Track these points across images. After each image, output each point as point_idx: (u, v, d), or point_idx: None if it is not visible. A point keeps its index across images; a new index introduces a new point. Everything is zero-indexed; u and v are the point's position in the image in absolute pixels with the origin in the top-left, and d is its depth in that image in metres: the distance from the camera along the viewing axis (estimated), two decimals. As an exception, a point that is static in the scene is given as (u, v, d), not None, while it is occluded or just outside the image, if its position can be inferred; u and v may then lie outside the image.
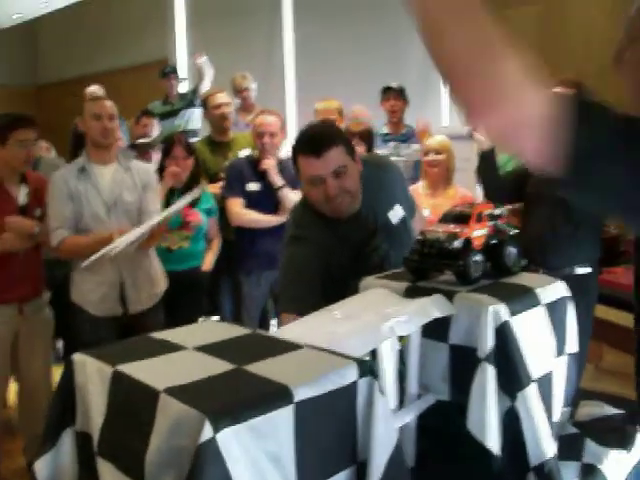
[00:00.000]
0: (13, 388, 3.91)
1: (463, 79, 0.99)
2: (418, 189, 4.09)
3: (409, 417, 1.87)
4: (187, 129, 5.99)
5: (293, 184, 4.01)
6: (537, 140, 0.99)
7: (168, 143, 4.12)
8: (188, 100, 6.44)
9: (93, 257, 3.09)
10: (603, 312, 4.01)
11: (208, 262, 4.15)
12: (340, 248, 2.41)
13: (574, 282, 2.45)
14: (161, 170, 3.98)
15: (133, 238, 3.18)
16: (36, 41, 10.87)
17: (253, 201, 4.03)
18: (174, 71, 6.73)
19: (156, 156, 4.93)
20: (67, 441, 1.46)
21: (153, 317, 3.54)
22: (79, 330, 3.38)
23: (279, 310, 2.56)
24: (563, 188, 1.05)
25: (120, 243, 3.12)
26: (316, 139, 2.35)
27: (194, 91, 6.48)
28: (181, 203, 3.58)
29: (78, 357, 1.44)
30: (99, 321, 3.35)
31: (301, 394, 1.22)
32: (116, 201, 3.35)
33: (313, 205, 2.43)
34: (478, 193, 5.15)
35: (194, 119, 6.42)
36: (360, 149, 4.04)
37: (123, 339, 2.98)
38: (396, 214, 2.57)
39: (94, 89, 6.76)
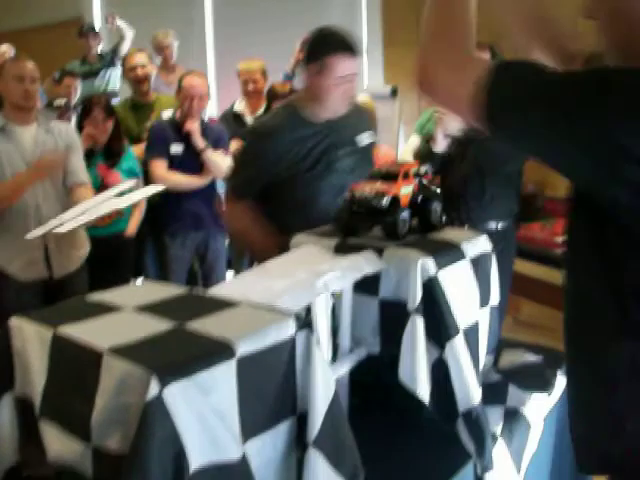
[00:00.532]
0: None
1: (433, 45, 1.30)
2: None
3: (342, 370, 1.93)
4: (107, 90, 5.84)
5: (215, 145, 4.00)
6: (469, 98, 1.21)
7: (87, 104, 4.03)
8: (107, 60, 6.27)
9: (37, 231, 3.03)
10: (520, 266, 4.16)
11: (132, 227, 4.09)
12: (310, 145, 2.66)
13: (493, 236, 2.55)
14: (80, 131, 3.90)
15: (82, 222, 3.13)
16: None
17: (177, 163, 3.99)
18: (92, 30, 6.47)
19: (74, 117, 4.83)
20: (6, 406, 1.45)
21: (77, 281, 3.49)
22: (2, 296, 3.31)
23: (226, 194, 2.90)
24: (490, 135, 1.27)
25: (68, 224, 3.06)
26: (353, 42, 2.62)
27: (114, 51, 6.30)
28: (137, 196, 3.52)
29: (15, 321, 1.43)
30: (23, 286, 3.29)
31: (242, 349, 1.26)
32: None
33: (311, 101, 2.70)
34: (399, 152, 5.24)
35: (114, 80, 6.25)
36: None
37: (48, 304, 2.97)
38: (364, 139, 2.83)
39: (4, 49, 6.51)
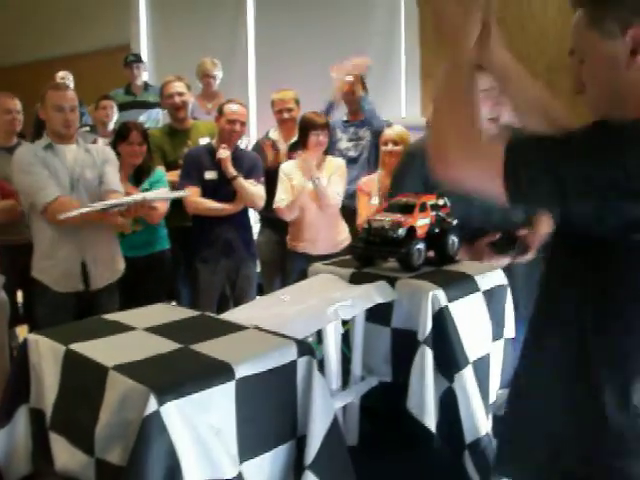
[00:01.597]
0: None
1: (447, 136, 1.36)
2: (376, 178, 4.17)
3: (352, 397, 1.96)
4: (147, 127, 5.87)
5: (248, 173, 4.06)
6: (490, 179, 1.28)
7: (122, 129, 4.14)
8: (156, 97, 6.23)
9: (74, 212, 3.13)
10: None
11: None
12: None
13: (522, 270, 2.56)
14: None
15: (109, 204, 3.24)
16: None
17: (210, 189, 4.05)
18: (137, 60, 6.41)
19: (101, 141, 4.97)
20: (22, 417, 1.52)
21: (109, 296, 3.57)
22: (38, 305, 3.41)
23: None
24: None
25: (99, 205, 3.18)
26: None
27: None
28: (166, 195, 3.62)
29: (32, 337, 1.50)
30: (58, 297, 3.38)
31: (242, 371, 1.30)
32: (79, 178, 3.40)
33: None
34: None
35: (156, 119, 6.27)
36: (325, 138, 4.12)
37: (80, 316, 3.04)
38: None
39: (62, 75, 6.69)
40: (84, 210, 3.16)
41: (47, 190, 3.30)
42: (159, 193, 3.65)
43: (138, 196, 3.42)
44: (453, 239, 2.18)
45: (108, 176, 3.54)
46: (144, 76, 6.58)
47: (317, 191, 4.00)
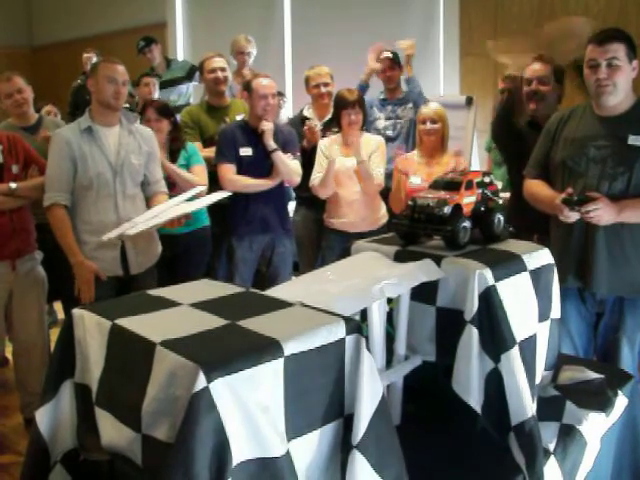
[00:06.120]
0: (10, 348, 3.99)
1: None
2: (414, 157, 4.11)
3: (396, 377, 1.94)
4: (178, 103, 5.87)
5: (284, 147, 4.02)
6: None
7: (143, 106, 4.16)
8: (185, 73, 6.23)
9: (112, 234, 3.16)
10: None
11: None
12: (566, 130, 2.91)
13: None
14: None
15: (152, 225, 3.23)
16: (30, 2, 10.72)
17: (246, 165, 4.03)
18: (147, 44, 6.47)
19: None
20: (66, 392, 1.52)
21: (147, 279, 3.57)
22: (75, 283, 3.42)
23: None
24: None
25: (139, 226, 3.17)
26: (604, 32, 2.78)
27: (193, 67, 6.18)
28: (205, 201, 3.58)
29: (77, 312, 1.49)
30: (97, 280, 3.38)
31: (291, 348, 1.28)
32: (123, 163, 3.38)
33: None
34: (471, 161, 5.20)
35: (187, 94, 6.29)
36: (357, 116, 4.07)
37: (118, 295, 3.04)
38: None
39: (87, 58, 6.78)
40: (122, 230, 3.17)
41: (46, 195, 3.36)
42: (199, 202, 3.60)
43: (178, 211, 3.39)
44: (499, 217, 2.13)
45: (155, 175, 3.57)
46: (159, 56, 6.58)
47: (362, 173, 3.97)
